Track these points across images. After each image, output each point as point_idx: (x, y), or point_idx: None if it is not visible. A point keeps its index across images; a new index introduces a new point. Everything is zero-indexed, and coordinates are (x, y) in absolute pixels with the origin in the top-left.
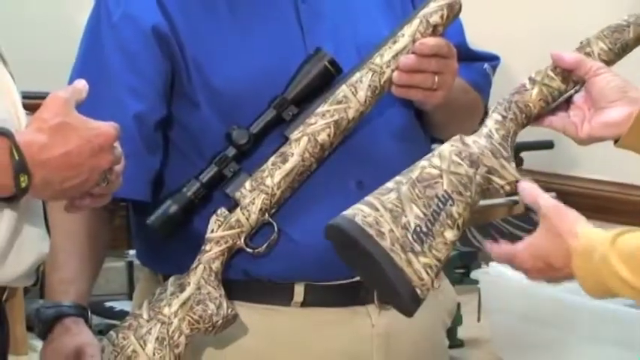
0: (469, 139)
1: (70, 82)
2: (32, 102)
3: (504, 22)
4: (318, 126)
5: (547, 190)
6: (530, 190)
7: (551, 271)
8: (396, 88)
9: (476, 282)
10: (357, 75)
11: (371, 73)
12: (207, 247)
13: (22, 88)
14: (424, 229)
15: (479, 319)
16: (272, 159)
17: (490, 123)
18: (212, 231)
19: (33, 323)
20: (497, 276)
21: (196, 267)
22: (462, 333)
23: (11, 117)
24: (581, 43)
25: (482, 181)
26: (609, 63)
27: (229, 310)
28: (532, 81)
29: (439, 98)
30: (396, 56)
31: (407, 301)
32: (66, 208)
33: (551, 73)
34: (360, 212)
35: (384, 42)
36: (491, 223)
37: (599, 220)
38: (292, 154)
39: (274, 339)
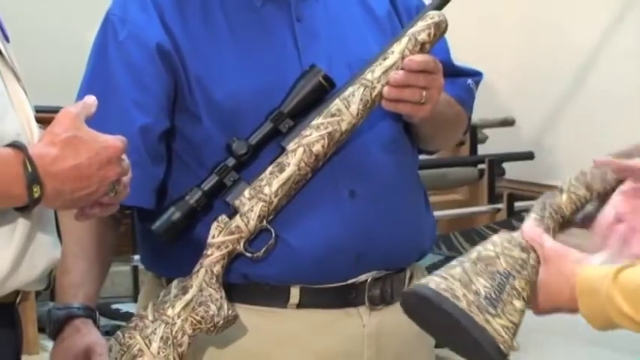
0: (515, 233)
1: (79, 96)
2: (45, 115)
3: (489, 39)
4: (312, 137)
5: (528, 198)
6: (532, 233)
7: (558, 310)
8: (386, 101)
9: None
10: (350, 89)
11: (362, 88)
12: (209, 252)
13: (36, 103)
14: (493, 296)
15: None
16: (270, 168)
17: (530, 220)
18: (213, 237)
19: (44, 324)
20: None
21: (198, 270)
22: None
23: (25, 130)
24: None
25: (536, 264)
26: None
27: (230, 311)
28: (560, 189)
29: (426, 112)
30: (386, 72)
31: (493, 356)
32: (76, 216)
33: (576, 183)
34: (432, 281)
35: (375, 59)
36: (474, 228)
37: (577, 227)
38: (289, 163)
39: (271, 339)
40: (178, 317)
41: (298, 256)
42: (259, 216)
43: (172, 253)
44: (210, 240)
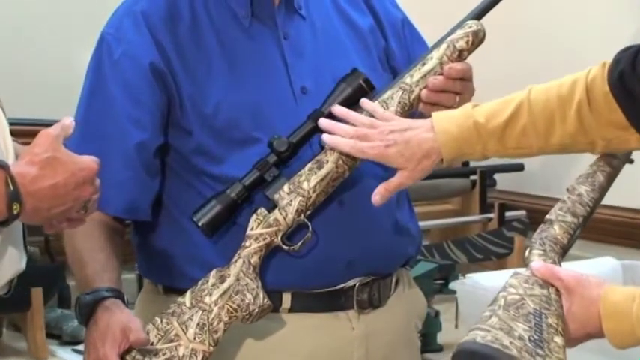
0: (525, 272)
1: (78, 113)
2: (22, 129)
3: (482, 59)
4: None
5: (518, 208)
6: (545, 269)
7: (589, 337)
8: (423, 105)
9: (454, 292)
10: (389, 92)
11: (401, 91)
12: (247, 243)
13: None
14: (536, 337)
15: (457, 326)
16: (309, 165)
17: (535, 257)
18: (252, 228)
19: (52, 330)
20: (473, 286)
21: (236, 261)
22: (441, 338)
23: (0, 148)
24: (568, 189)
25: (558, 298)
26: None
27: (265, 300)
28: (549, 221)
29: None
30: (424, 77)
31: None
32: (46, 228)
33: (560, 212)
34: (476, 335)
35: (414, 64)
36: (467, 237)
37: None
38: (327, 161)
39: (263, 342)
40: (215, 305)
41: (292, 263)
42: (297, 210)
43: (166, 262)
44: (248, 232)
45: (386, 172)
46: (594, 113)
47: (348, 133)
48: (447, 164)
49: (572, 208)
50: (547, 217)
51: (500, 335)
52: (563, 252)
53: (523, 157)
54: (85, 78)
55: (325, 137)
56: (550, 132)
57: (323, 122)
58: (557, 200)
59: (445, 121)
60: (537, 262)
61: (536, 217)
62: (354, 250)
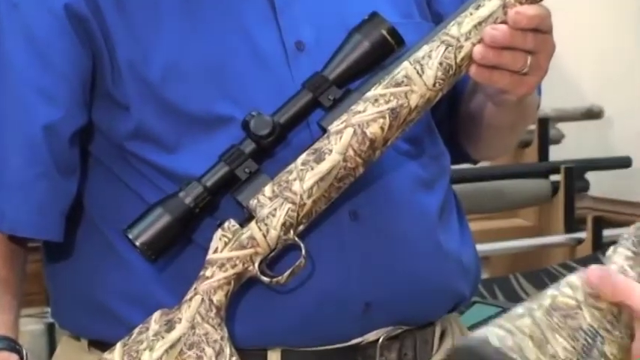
0: None
1: None
2: None
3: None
4: (367, 115)
5: (622, 224)
6: (614, 284)
7: None
8: (477, 68)
9: None
10: (425, 49)
11: (444, 47)
12: (208, 273)
13: None
14: None
15: None
16: (303, 157)
17: (619, 259)
18: (215, 251)
19: None
20: None
21: (191, 298)
22: None
23: None
24: None
25: (630, 321)
26: None
27: (232, 358)
28: None
29: (529, 87)
30: (478, 25)
31: None
32: None
33: None
34: (492, 334)
35: (464, 7)
36: (545, 268)
37: None
38: (331, 151)
39: None
40: None
41: (281, 304)
42: (284, 223)
43: (92, 302)
44: (210, 255)
45: (425, 170)
46: None
47: None
48: None
49: None
50: None
51: (527, 344)
52: None
53: None
54: None
55: None
56: None
57: None
58: None
59: None
60: (596, 268)
61: None
62: (375, 286)
